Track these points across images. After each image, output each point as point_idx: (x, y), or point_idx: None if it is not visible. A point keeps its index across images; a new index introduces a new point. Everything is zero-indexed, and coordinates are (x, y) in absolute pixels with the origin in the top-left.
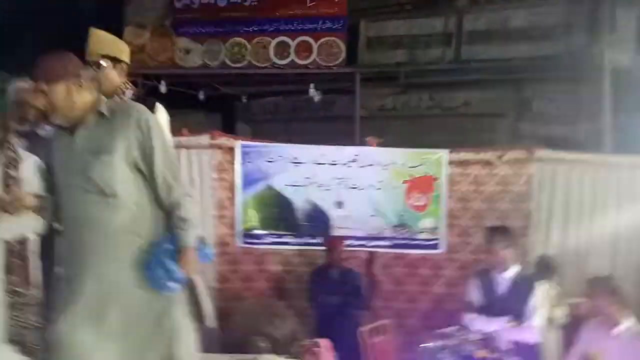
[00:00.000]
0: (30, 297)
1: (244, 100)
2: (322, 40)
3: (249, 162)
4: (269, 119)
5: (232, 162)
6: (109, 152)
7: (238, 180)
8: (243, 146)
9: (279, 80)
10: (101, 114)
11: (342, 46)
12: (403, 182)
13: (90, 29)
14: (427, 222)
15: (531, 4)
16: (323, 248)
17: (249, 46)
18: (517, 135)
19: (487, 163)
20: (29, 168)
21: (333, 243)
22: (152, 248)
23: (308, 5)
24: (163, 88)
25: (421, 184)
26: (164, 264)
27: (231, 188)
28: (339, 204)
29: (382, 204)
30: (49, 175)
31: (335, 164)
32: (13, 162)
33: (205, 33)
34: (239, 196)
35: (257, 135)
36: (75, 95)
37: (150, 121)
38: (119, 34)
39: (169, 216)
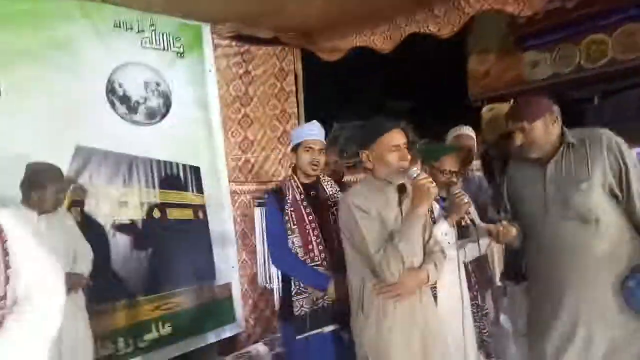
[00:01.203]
0: (486, 309)
1: (596, 101)
2: None
3: None
4: (630, 117)
5: None
6: (586, 179)
7: None
8: None
9: None
10: (569, 144)
11: None
12: None
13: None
14: None
15: None
16: None
17: (610, 40)
18: None
19: None
20: None
21: None
22: (636, 273)
23: None
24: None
25: None
26: None
27: None
28: None
29: None
30: (517, 203)
31: None
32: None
33: (554, 40)
34: None
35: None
36: (550, 129)
37: (621, 144)
38: (462, 65)
39: None
